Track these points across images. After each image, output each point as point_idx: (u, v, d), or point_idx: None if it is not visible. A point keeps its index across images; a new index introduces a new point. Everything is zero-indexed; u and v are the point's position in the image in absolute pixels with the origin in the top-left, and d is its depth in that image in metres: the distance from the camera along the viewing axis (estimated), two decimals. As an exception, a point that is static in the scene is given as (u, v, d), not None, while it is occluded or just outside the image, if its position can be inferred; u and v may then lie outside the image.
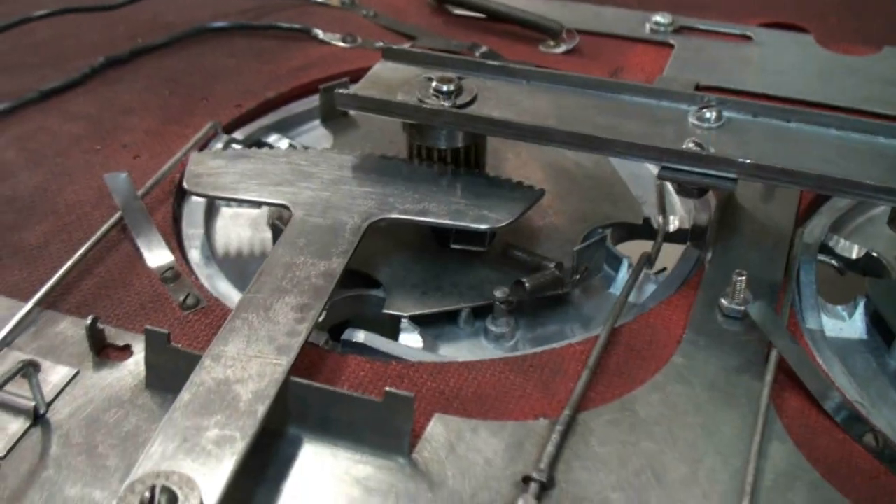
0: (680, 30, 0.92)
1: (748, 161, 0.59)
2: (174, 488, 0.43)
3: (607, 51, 0.89)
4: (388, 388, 0.49)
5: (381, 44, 0.86)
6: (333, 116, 0.79)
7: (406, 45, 0.84)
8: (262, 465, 0.49)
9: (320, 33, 0.91)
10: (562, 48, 0.89)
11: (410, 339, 0.60)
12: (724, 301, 0.59)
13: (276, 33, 0.92)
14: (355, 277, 0.63)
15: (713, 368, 0.56)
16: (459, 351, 0.61)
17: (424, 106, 0.64)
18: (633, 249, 0.66)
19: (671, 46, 0.89)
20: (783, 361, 0.55)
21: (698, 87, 0.81)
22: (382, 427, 0.50)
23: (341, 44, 0.90)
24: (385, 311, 0.62)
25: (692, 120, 0.63)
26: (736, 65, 0.87)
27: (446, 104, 0.64)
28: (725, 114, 0.64)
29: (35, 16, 0.89)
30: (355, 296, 0.63)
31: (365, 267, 0.64)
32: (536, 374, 0.55)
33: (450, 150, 0.67)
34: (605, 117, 0.64)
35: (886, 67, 0.87)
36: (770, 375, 0.54)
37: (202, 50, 0.90)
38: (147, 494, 0.43)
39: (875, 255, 0.66)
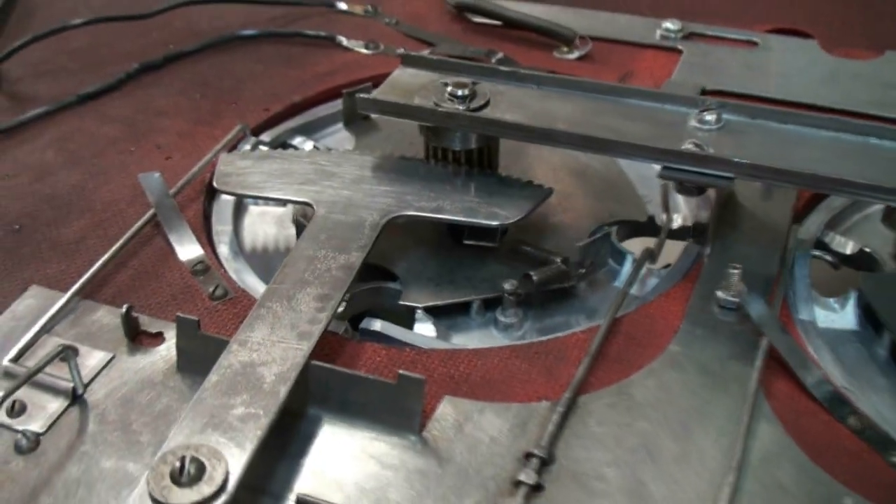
0: (689, 36, 0.95)
1: (744, 161, 0.62)
2: (203, 459, 0.47)
3: (618, 56, 0.92)
4: (400, 371, 0.52)
5: (402, 50, 0.89)
6: (356, 120, 0.83)
7: (425, 52, 0.88)
8: (285, 442, 0.53)
9: (344, 40, 0.95)
10: (575, 54, 0.92)
11: (424, 329, 0.64)
12: (719, 293, 0.63)
13: (302, 40, 0.96)
14: (374, 271, 0.67)
15: (707, 356, 0.59)
16: (471, 340, 0.65)
17: (440, 109, 0.68)
18: (639, 246, 0.70)
19: (680, 52, 0.93)
20: (774, 349, 0.58)
21: (704, 92, 0.84)
22: (395, 407, 0.53)
23: (364, 50, 0.94)
24: (401, 302, 0.65)
25: (692, 122, 0.67)
26: (742, 70, 0.90)
27: (460, 108, 0.68)
28: (725, 116, 0.67)
29: (72, 24, 0.94)
30: (374, 288, 0.67)
31: (383, 261, 0.68)
32: (541, 360, 0.59)
33: (464, 152, 0.70)
34: (611, 120, 0.68)
35: (888, 71, 0.90)
36: (759, 361, 0.57)
37: (232, 56, 0.94)
38: (177, 464, 0.47)
39: (868, 251, 0.69)
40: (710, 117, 0.67)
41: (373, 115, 0.81)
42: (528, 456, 0.52)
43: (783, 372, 0.58)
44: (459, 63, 0.74)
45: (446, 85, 0.69)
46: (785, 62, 0.91)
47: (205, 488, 0.46)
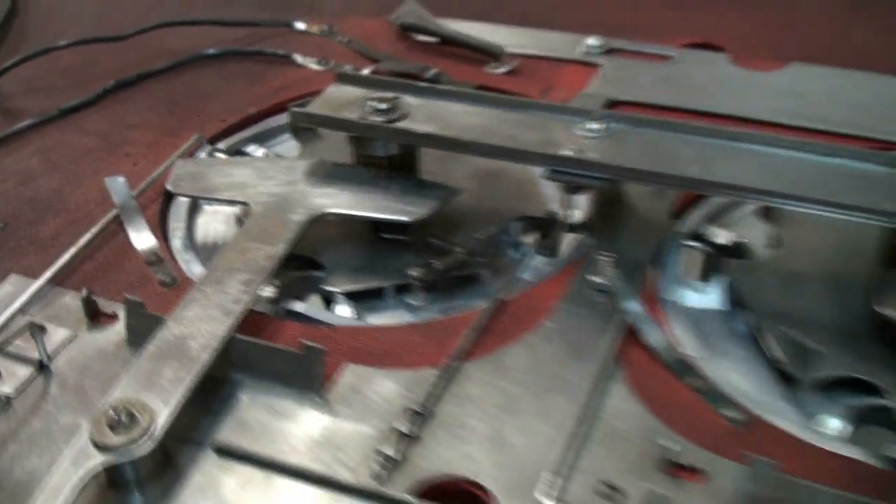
0: (610, 51, 1.05)
1: (614, 164, 0.72)
2: (134, 411, 0.58)
3: (542, 71, 1.02)
4: (304, 341, 0.63)
5: (348, 67, 1.00)
6: (302, 130, 0.93)
7: (366, 69, 0.99)
8: (209, 401, 0.63)
9: (299, 58, 1.05)
10: (503, 69, 1.02)
11: (342, 310, 0.75)
12: (592, 277, 0.73)
13: (262, 58, 1.07)
14: (304, 261, 0.78)
15: (576, 330, 0.69)
16: (384, 320, 0.75)
17: (361, 121, 0.78)
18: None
19: (599, 66, 1.03)
20: (634, 325, 0.69)
21: (614, 103, 0.94)
22: (301, 373, 0.64)
23: (316, 67, 1.04)
24: (323, 286, 0.76)
25: (579, 131, 0.77)
26: (654, 81, 0.99)
27: (380, 120, 0.78)
28: (612, 125, 0.77)
29: (57, 45, 1.05)
30: (303, 276, 0.78)
31: (313, 253, 0.78)
32: (436, 335, 0.69)
33: (386, 158, 0.81)
34: (511, 129, 0.78)
35: (788, 81, 0.99)
36: (617, 333, 0.68)
37: (199, 73, 1.05)
38: (113, 415, 0.58)
39: (741, 241, 0.79)
40: (596, 126, 0.77)
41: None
42: (409, 411, 0.62)
43: (640, 344, 0.68)
44: (385, 80, 0.84)
45: (371, 99, 0.80)
46: (695, 74, 1.01)
47: (134, 433, 0.57)
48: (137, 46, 1.09)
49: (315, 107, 0.81)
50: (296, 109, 0.81)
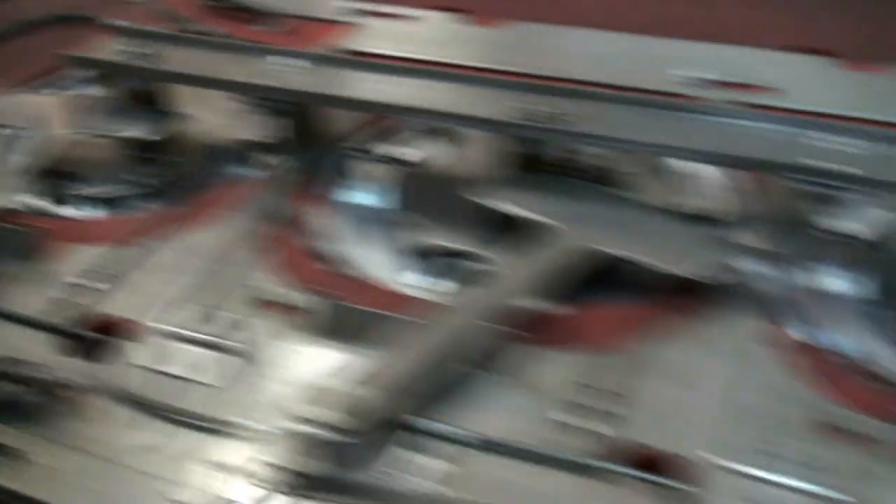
0: (367, 13, 1.26)
1: (302, 90, 0.94)
2: None
3: (307, 30, 1.22)
4: (29, 223, 0.86)
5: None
6: (105, 77, 1.15)
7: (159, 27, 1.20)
8: None
9: (115, 22, 1.27)
10: (273, 28, 1.24)
11: (94, 213, 0.97)
12: (272, 182, 0.95)
13: (85, 23, 1.28)
14: (67, 175, 0.99)
15: (251, 222, 0.91)
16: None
17: (120, 63, 1.00)
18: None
19: (355, 25, 1.24)
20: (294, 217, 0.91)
21: (358, 53, 1.15)
22: (27, 247, 0.87)
23: (127, 28, 1.26)
24: (78, 193, 0.98)
25: (284, 67, 0.98)
26: (396, 38, 1.19)
27: (140, 63, 1.00)
28: (324, 66, 0.98)
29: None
30: (65, 185, 0.99)
31: (76, 168, 0.99)
32: (145, 224, 0.91)
33: (139, 93, 1.03)
34: (244, 69, 0.98)
35: (511, 37, 1.20)
36: (278, 224, 0.90)
37: (33, 35, 1.27)
38: None
39: (408, 153, 0.99)
40: (302, 63, 0.98)
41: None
42: (102, 274, 0.85)
43: (295, 230, 0.90)
44: (149, 31, 1.05)
45: (132, 47, 1.01)
46: (436, 32, 1.21)
47: None
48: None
49: (86, 53, 1.03)
50: (71, 53, 1.02)
